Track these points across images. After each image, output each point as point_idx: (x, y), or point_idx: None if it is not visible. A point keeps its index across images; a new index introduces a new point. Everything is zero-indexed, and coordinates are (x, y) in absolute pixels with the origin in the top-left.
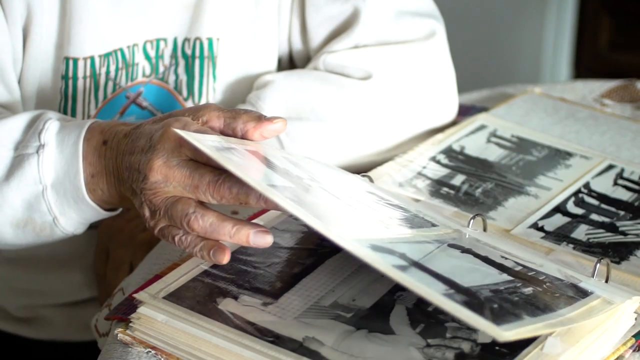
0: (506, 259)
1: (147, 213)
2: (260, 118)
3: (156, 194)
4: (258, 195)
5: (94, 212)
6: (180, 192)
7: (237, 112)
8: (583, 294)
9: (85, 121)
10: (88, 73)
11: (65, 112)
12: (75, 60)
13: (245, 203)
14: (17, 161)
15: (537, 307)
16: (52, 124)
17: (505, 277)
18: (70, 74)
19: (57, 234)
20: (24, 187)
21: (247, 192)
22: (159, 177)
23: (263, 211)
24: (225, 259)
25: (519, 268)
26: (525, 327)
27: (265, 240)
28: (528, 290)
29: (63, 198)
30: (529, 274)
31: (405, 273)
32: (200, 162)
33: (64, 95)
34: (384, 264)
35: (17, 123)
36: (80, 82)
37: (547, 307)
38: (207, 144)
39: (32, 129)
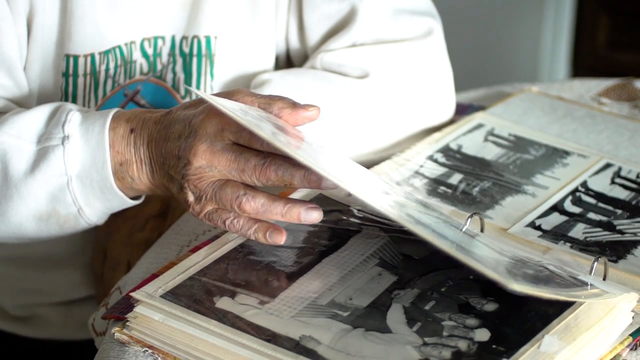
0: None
1: (190, 198)
2: (295, 105)
3: (201, 178)
4: (302, 175)
5: (120, 201)
6: (225, 176)
7: (272, 98)
8: (583, 284)
9: (107, 110)
10: (88, 70)
11: None
12: (76, 58)
13: (290, 184)
14: (41, 153)
15: (540, 281)
16: (75, 115)
17: (506, 258)
18: (71, 71)
19: (82, 225)
20: (49, 179)
21: (292, 173)
22: (203, 162)
23: None
24: (282, 239)
25: (517, 259)
26: (532, 286)
27: (313, 216)
28: (530, 271)
29: (89, 188)
30: (528, 264)
31: (416, 226)
32: (243, 145)
33: (64, 92)
34: (399, 215)
35: (37, 116)
36: (80, 80)
37: (550, 284)
38: (251, 119)
39: (54, 121)
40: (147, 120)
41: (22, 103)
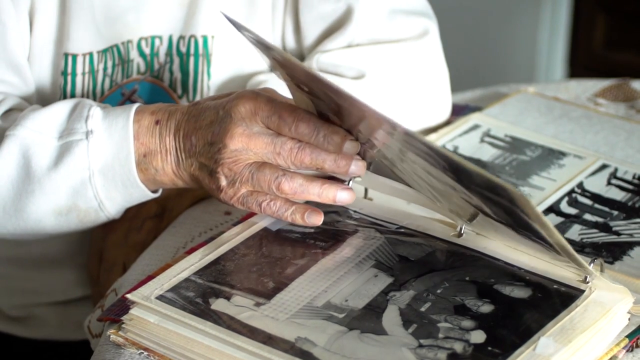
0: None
1: (223, 182)
2: None
3: (237, 161)
4: (333, 160)
5: (141, 195)
6: (260, 159)
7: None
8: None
9: (130, 105)
10: (87, 69)
11: None
12: (75, 57)
13: (321, 168)
14: (65, 148)
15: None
16: (96, 110)
17: None
18: (70, 70)
19: (101, 219)
20: (72, 173)
21: (323, 157)
22: (240, 145)
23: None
24: (321, 220)
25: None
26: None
27: (347, 197)
28: None
29: (111, 182)
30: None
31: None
32: (274, 129)
33: (63, 91)
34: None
35: (58, 111)
36: (79, 79)
37: None
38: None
39: (74, 116)
40: (174, 112)
41: (30, 101)
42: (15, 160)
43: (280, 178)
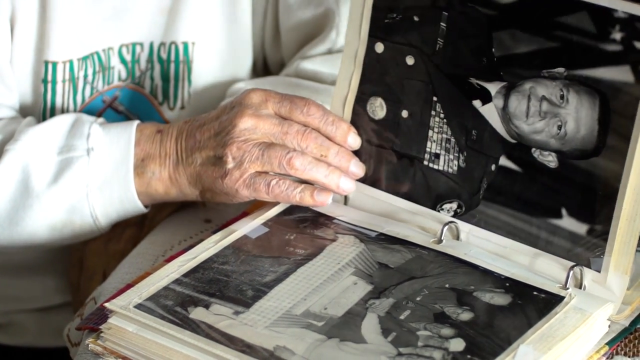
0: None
1: (229, 165)
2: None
3: (246, 140)
4: (336, 151)
5: (134, 209)
6: (269, 139)
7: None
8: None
9: (131, 122)
10: (67, 77)
11: (44, 117)
12: (55, 64)
13: (325, 156)
14: (65, 163)
15: None
16: (97, 128)
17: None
18: (50, 77)
19: (94, 233)
20: (71, 188)
21: (328, 145)
22: (249, 123)
23: (236, 218)
24: (329, 199)
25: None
26: None
27: (350, 186)
28: None
29: (108, 199)
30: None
31: None
32: (285, 115)
33: (44, 99)
34: None
35: (56, 127)
36: (59, 86)
37: None
38: None
39: (73, 132)
40: (176, 122)
41: (16, 109)
42: (15, 175)
43: (291, 153)
